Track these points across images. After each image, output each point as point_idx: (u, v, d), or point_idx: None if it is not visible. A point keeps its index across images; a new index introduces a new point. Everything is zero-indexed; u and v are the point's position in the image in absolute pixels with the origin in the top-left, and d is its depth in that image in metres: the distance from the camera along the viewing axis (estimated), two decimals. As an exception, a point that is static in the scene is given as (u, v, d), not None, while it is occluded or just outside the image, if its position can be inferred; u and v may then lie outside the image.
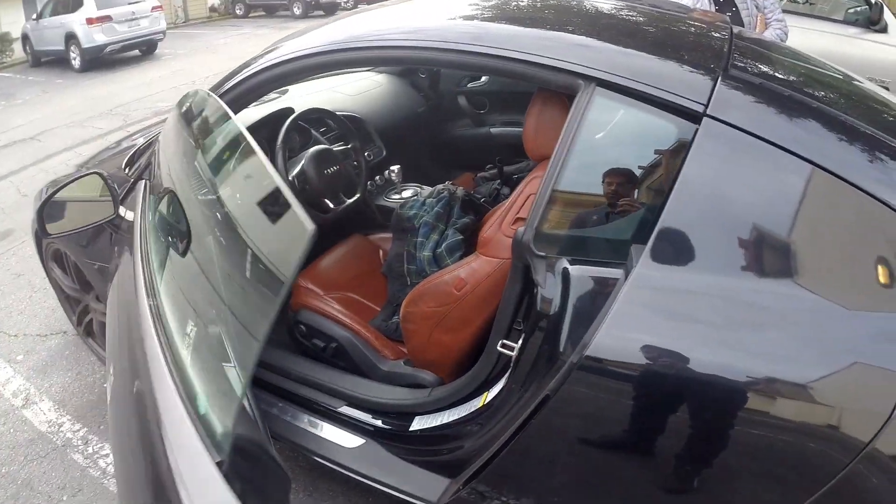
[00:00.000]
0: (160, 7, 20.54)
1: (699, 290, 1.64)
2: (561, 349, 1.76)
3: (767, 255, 1.66)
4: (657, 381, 1.66)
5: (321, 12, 28.89)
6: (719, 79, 1.81)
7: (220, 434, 1.50)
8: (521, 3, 2.81)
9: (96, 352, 4.02)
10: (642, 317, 1.66)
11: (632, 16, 2.67)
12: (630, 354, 1.64)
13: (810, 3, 7.09)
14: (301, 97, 2.96)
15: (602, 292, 1.72)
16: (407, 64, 2.47)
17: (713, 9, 4.95)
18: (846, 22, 6.55)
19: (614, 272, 1.73)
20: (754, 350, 1.57)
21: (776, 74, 2.23)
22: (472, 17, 2.55)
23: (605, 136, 1.97)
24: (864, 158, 1.67)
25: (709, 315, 1.63)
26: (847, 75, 2.67)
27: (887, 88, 5.90)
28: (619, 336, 1.65)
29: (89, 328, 4.00)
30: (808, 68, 2.58)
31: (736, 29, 2.65)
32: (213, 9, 35.28)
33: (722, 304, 1.61)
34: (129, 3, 19.31)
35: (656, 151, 1.89)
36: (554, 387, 1.72)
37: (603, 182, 1.95)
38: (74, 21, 18.54)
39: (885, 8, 6.34)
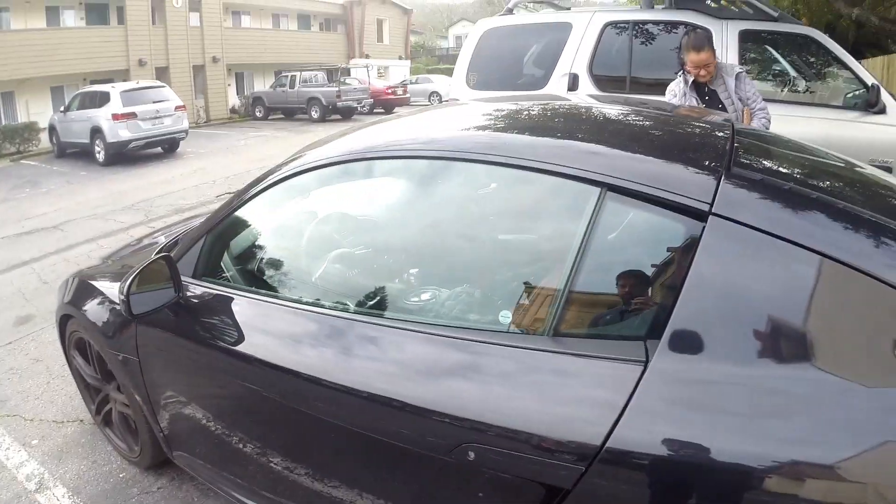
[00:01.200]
0: (183, 107, 21.19)
1: (716, 379, 1.70)
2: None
3: (782, 342, 1.73)
4: (678, 472, 1.69)
5: (338, 116, 29.66)
6: (722, 177, 1.94)
7: None
8: (528, 114, 2.99)
9: (113, 442, 4.06)
10: (660, 409, 1.73)
11: (636, 120, 2.86)
12: (649, 446, 1.69)
13: (811, 92, 7.29)
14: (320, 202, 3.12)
15: (620, 387, 1.78)
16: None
17: (700, 105, 5.19)
18: (845, 107, 6.72)
19: (633, 368, 1.79)
20: (775, 435, 1.61)
21: (777, 168, 2.39)
22: (483, 128, 2.75)
23: (617, 238, 2.09)
24: (867, 244, 1.77)
25: (727, 404, 1.68)
26: (847, 161, 2.80)
27: (890, 169, 6.12)
28: (638, 428, 1.71)
29: (108, 418, 4.04)
30: (807, 158, 2.72)
31: (736, 125, 2.80)
32: (233, 110, 36.20)
33: (739, 392, 1.67)
34: (154, 102, 19.99)
35: (667, 250, 2.01)
36: (574, 480, 1.78)
37: (617, 282, 2.06)
38: (101, 116, 19.18)
39: (882, 90, 6.51)
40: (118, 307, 3.27)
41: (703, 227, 1.84)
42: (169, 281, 2.84)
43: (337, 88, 30.94)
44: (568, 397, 1.88)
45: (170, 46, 32.90)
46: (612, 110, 3.02)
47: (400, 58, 51.24)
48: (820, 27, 22.91)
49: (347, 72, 37.08)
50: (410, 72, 48.97)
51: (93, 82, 25.62)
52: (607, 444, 1.72)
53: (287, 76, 33.36)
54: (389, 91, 34.88)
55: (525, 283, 2.33)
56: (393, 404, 2.13)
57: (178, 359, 3.05)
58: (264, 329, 2.66)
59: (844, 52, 6.98)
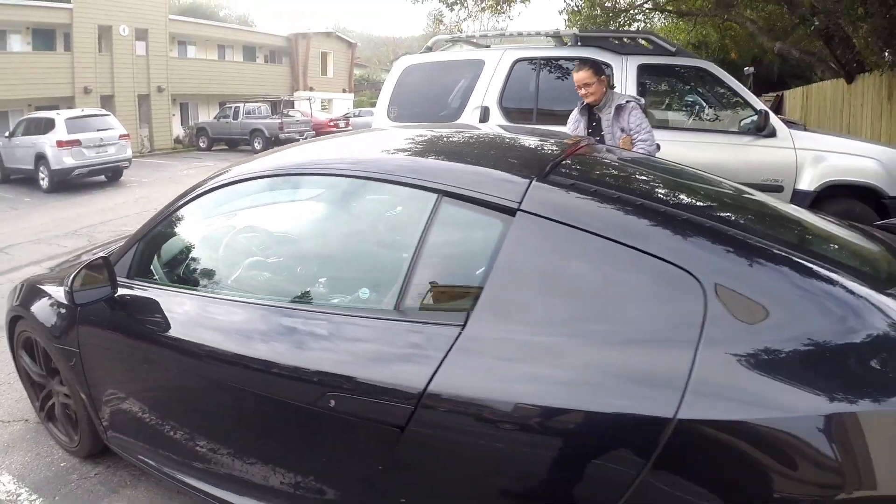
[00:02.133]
0: (128, 136, 21.26)
1: (515, 338, 2.24)
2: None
3: (564, 308, 2.26)
4: (485, 408, 2.22)
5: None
6: (534, 181, 2.48)
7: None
8: (402, 139, 3.55)
9: (55, 436, 4.42)
10: (470, 361, 2.27)
11: (489, 142, 3.53)
12: (460, 388, 2.25)
13: (711, 119, 8.02)
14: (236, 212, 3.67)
15: (441, 344, 2.32)
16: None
17: (585, 133, 5.87)
18: (741, 132, 7.41)
19: (453, 330, 2.33)
20: (546, 379, 2.16)
21: (593, 177, 2.96)
22: (366, 150, 3.41)
23: (449, 231, 2.66)
24: (647, 228, 2.29)
25: (523, 356, 2.22)
26: (683, 172, 3.48)
27: (781, 188, 6.95)
28: (452, 375, 2.26)
29: (51, 413, 4.41)
30: (633, 168, 3.38)
31: (593, 147, 3.56)
32: (177, 140, 36.16)
33: (532, 346, 2.21)
34: (98, 130, 20.07)
35: (487, 239, 2.50)
36: (406, 419, 2.32)
37: (447, 265, 2.69)
38: (45, 143, 19.22)
39: (771, 114, 7.23)
40: (63, 309, 3.75)
41: (512, 220, 2.39)
42: (106, 279, 3.30)
43: (280, 120, 31.45)
44: (403, 353, 2.44)
45: (115, 75, 33.09)
46: (483, 136, 3.66)
47: (343, 91, 51.71)
48: (748, 60, 23.85)
49: (291, 104, 37.48)
50: (354, 104, 49.33)
51: (38, 108, 25.67)
52: (429, 388, 2.26)
53: (231, 107, 33.61)
54: (332, 123, 35.40)
55: (381, 272, 2.91)
56: (277, 369, 2.68)
57: (113, 348, 3.50)
58: (184, 318, 3.13)
59: (736, 81, 7.70)
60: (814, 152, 7.20)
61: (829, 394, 1.88)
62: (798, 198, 7.02)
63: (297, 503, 2.85)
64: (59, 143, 19.05)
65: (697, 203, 2.96)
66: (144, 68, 34.87)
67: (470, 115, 7.74)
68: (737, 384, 1.95)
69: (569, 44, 8.09)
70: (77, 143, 19.29)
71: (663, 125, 8.00)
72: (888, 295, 2.13)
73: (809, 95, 18.48)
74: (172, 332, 3.10)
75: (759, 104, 7.42)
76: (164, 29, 36.30)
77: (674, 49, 7.83)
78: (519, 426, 2.19)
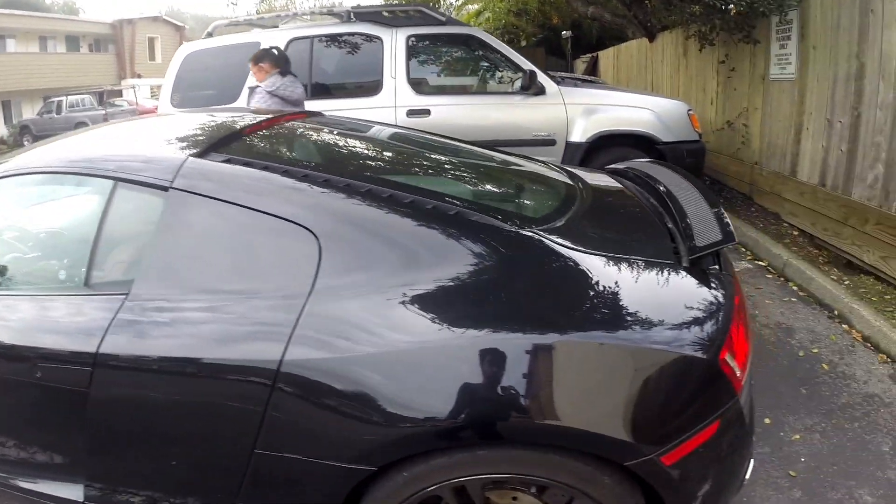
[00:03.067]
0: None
1: (163, 303, 2.49)
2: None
3: (206, 271, 2.53)
4: (143, 364, 2.46)
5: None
6: (187, 160, 2.70)
7: None
8: (130, 128, 3.78)
9: None
10: (134, 325, 2.49)
11: (180, 124, 3.65)
12: (126, 349, 2.46)
13: (495, 82, 8.41)
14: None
15: (109, 310, 2.55)
16: None
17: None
18: (513, 92, 7.82)
19: (118, 298, 2.56)
20: (183, 335, 2.42)
21: (257, 150, 3.18)
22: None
23: (123, 212, 2.83)
24: (280, 193, 2.56)
25: (166, 317, 2.47)
26: (376, 135, 3.98)
27: (554, 141, 7.45)
28: (119, 338, 2.47)
29: None
30: (312, 138, 3.68)
31: (305, 121, 3.93)
32: (2, 141, 34.70)
33: (173, 309, 2.47)
34: None
35: (151, 216, 2.68)
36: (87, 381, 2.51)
37: (121, 242, 2.89)
38: None
39: (538, 73, 7.64)
40: None
41: (166, 197, 2.61)
42: None
43: (104, 111, 30.71)
44: (83, 321, 2.61)
45: (-71, 78, 31.46)
46: (181, 120, 3.83)
47: (173, 75, 50.30)
48: (568, 24, 24.55)
49: (119, 93, 36.56)
50: (186, 88, 48.44)
51: None
52: (99, 350, 2.47)
53: (54, 101, 32.66)
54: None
55: (76, 255, 2.96)
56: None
57: None
58: None
59: (504, 45, 8.15)
60: (584, 106, 7.64)
61: (439, 326, 2.21)
62: (570, 150, 7.50)
63: (55, 473, 2.92)
64: None
65: (352, 164, 3.38)
66: (-39, 67, 33.20)
67: (245, 97, 7.72)
68: (344, 325, 2.27)
69: (344, 20, 8.22)
70: None
71: (441, 91, 8.31)
72: (531, 230, 2.48)
73: (619, 55, 19.24)
74: None
75: (526, 65, 7.77)
76: (-19, 24, 34.57)
77: (444, 19, 8.15)
78: (164, 375, 2.45)
